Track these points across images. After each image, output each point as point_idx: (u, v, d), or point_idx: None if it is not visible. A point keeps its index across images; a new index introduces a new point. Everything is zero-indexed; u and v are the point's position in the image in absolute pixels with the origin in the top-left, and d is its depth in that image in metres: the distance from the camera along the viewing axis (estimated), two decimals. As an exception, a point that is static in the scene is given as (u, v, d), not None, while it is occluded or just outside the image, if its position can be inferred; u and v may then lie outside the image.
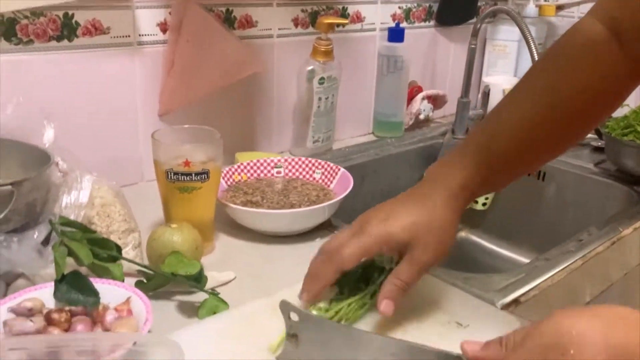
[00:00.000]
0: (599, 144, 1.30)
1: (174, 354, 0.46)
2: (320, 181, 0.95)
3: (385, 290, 0.60)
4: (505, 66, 1.56)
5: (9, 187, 0.60)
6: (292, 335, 0.56)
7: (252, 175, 0.95)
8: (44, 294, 0.61)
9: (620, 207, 1.10)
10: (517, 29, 1.27)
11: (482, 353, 0.45)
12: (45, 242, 0.64)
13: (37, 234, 0.63)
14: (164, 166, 0.72)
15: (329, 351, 0.55)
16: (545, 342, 0.40)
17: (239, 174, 0.94)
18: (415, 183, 1.45)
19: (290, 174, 0.97)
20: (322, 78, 1.10)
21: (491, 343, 0.45)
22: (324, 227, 0.88)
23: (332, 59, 1.10)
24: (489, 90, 1.47)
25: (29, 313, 0.59)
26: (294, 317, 0.56)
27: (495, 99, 1.46)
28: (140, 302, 0.60)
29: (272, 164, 0.97)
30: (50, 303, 0.61)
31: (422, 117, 1.40)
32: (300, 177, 0.97)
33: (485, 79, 1.53)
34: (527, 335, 0.41)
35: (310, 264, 0.63)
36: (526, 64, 1.55)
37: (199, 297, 0.67)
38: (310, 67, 1.10)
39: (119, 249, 0.66)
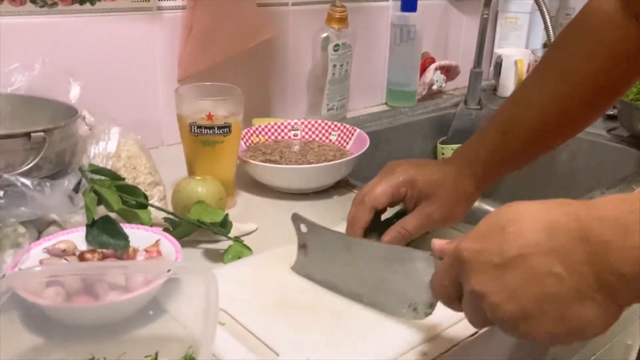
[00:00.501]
0: (612, 111, 1.31)
1: (209, 283, 0.48)
2: (337, 143, 0.97)
3: (388, 235, 0.64)
4: (517, 38, 1.57)
5: (42, 134, 0.62)
6: (302, 246, 0.64)
7: (269, 137, 0.97)
8: (76, 238, 0.63)
9: (633, 172, 1.11)
10: (528, 1, 1.27)
11: (448, 244, 0.49)
12: (76, 190, 0.66)
13: (67, 182, 0.65)
14: (188, 120, 0.74)
15: (331, 258, 0.61)
16: (490, 223, 0.42)
17: (257, 135, 0.96)
18: (428, 153, 1.47)
19: (307, 137, 0.99)
20: (336, 45, 1.11)
21: (456, 238, 0.48)
22: (341, 186, 0.90)
23: (346, 26, 1.12)
24: (502, 60, 1.48)
25: (63, 254, 0.61)
26: (304, 228, 0.63)
27: (507, 69, 1.47)
28: (169, 244, 0.62)
29: (289, 127, 0.99)
30: (82, 246, 0.63)
31: (435, 87, 1.41)
32: (317, 139, 0.98)
33: (497, 50, 1.54)
34: (481, 221, 0.44)
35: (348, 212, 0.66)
36: (538, 36, 1.56)
37: (224, 245, 0.69)
38: (325, 34, 1.11)
39: (146, 197, 0.68)
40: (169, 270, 0.51)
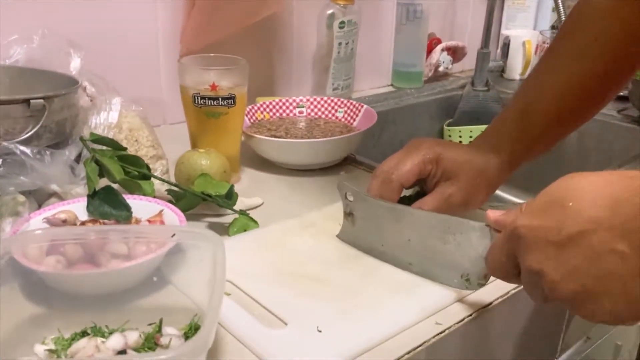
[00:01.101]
0: (623, 92, 1.28)
1: (216, 247, 0.46)
2: (343, 120, 0.95)
3: None
4: (524, 20, 1.54)
5: (41, 101, 0.60)
6: (348, 214, 0.63)
7: (274, 114, 0.95)
8: (77, 208, 0.61)
9: (645, 151, 1.09)
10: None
11: (503, 216, 0.48)
12: (77, 161, 0.65)
13: (68, 152, 0.63)
14: (191, 91, 0.72)
15: (380, 226, 0.60)
16: (550, 198, 0.41)
17: (262, 112, 0.94)
18: (435, 134, 1.45)
19: (312, 114, 0.96)
20: (342, 22, 1.09)
21: (512, 209, 0.47)
22: (348, 163, 0.88)
23: (352, 2, 1.09)
24: (509, 41, 1.45)
25: (63, 224, 0.59)
26: (350, 197, 0.62)
27: (515, 50, 1.45)
28: (172, 215, 0.60)
29: (294, 104, 0.97)
30: (82, 217, 0.61)
31: (441, 68, 1.38)
32: (323, 116, 0.96)
33: (505, 31, 1.51)
34: (538, 195, 0.42)
35: (368, 188, 0.63)
36: (545, 18, 1.53)
37: (228, 219, 0.68)
38: (330, 11, 1.09)
39: (148, 167, 0.66)
40: (173, 235, 0.49)
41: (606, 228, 0.37)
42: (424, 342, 0.49)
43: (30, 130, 0.60)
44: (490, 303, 0.55)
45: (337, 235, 0.64)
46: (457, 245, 0.54)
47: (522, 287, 0.55)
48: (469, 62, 1.46)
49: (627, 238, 0.37)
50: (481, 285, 0.53)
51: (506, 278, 0.47)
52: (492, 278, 0.52)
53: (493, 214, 0.49)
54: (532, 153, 0.67)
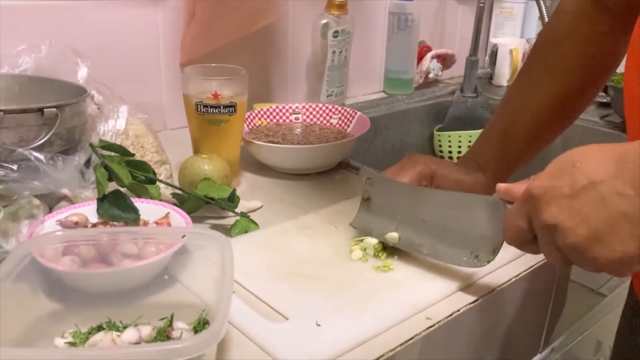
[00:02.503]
0: (605, 100, 1.33)
1: (224, 247, 0.50)
2: (338, 126, 0.99)
3: None
4: (512, 28, 1.59)
5: (54, 109, 0.63)
6: (366, 199, 0.67)
7: (271, 120, 0.99)
8: (87, 211, 0.65)
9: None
10: (524, -10, 1.29)
11: (513, 185, 0.52)
12: (86, 166, 0.68)
13: (78, 158, 0.67)
14: (194, 99, 0.76)
15: (395, 209, 0.64)
16: (558, 164, 0.45)
17: (259, 119, 0.98)
18: (425, 140, 1.49)
19: (308, 120, 1.00)
20: (336, 31, 1.13)
21: (522, 180, 0.51)
22: (342, 167, 0.92)
23: (346, 12, 1.13)
24: (497, 49, 1.50)
25: (75, 226, 0.63)
26: (370, 182, 0.66)
27: (503, 58, 1.50)
28: (178, 217, 0.64)
29: (290, 110, 1.00)
30: (93, 220, 0.65)
31: (431, 75, 1.43)
32: (318, 122, 1.00)
33: (493, 39, 1.56)
34: (548, 165, 0.46)
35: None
36: (532, 26, 1.58)
37: (230, 221, 0.71)
38: (324, 21, 1.13)
39: (154, 172, 0.70)
40: (183, 236, 0.53)
41: (614, 177, 0.41)
42: (415, 336, 0.53)
43: (44, 138, 0.64)
44: (477, 300, 0.59)
45: (350, 224, 0.68)
46: (470, 222, 0.57)
47: (510, 283, 0.60)
48: (458, 69, 1.50)
49: (634, 184, 0.41)
50: (489, 261, 0.57)
51: (522, 245, 0.50)
52: (497, 256, 0.56)
53: (503, 185, 0.53)
54: (514, 168, 0.72)
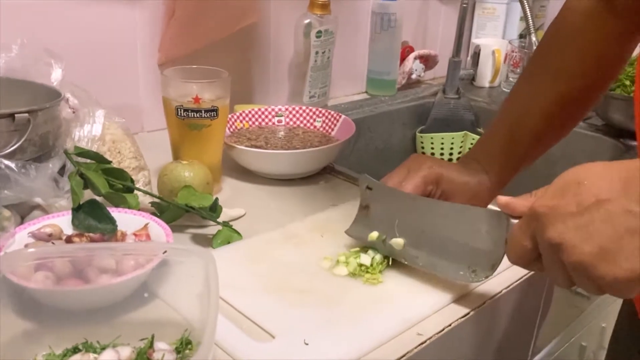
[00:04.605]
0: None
1: (208, 264, 0.48)
2: (322, 129, 0.97)
3: None
4: (493, 29, 1.58)
5: (26, 115, 0.60)
6: (364, 207, 0.65)
7: (253, 123, 0.96)
8: (61, 222, 0.62)
9: (608, 159, 1.14)
10: (507, -10, 1.28)
11: (514, 199, 0.51)
12: (61, 173, 0.65)
13: (52, 166, 0.63)
14: (174, 103, 0.73)
15: (394, 218, 0.62)
16: (563, 183, 0.44)
17: (241, 121, 0.95)
18: (408, 141, 1.47)
19: (291, 123, 0.98)
20: (319, 31, 1.11)
21: (524, 195, 0.50)
22: (327, 172, 0.90)
23: (329, 12, 1.11)
24: (480, 50, 1.49)
25: (49, 238, 0.59)
26: (369, 190, 0.64)
27: (485, 59, 1.49)
28: (158, 228, 0.61)
29: (273, 113, 0.98)
30: (67, 231, 0.61)
31: (414, 76, 1.41)
32: (302, 125, 0.98)
33: (475, 40, 1.55)
34: (552, 183, 0.45)
35: None
36: (514, 27, 1.58)
37: (212, 230, 0.69)
38: (307, 20, 1.10)
39: (132, 180, 0.67)
40: (165, 252, 0.50)
41: (621, 196, 0.41)
42: (406, 353, 0.51)
43: (15, 144, 0.60)
44: (468, 313, 0.57)
45: (346, 231, 0.66)
46: (470, 235, 0.56)
47: (507, 289, 0.58)
48: (440, 70, 1.49)
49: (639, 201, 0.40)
50: (487, 276, 0.55)
51: (527, 263, 0.49)
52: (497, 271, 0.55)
53: (504, 198, 0.52)
54: (518, 169, 0.71)
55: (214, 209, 0.66)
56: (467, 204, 0.64)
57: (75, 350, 0.48)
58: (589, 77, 0.66)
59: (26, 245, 0.57)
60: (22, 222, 0.64)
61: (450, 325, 0.55)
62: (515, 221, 0.50)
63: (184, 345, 0.48)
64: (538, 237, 0.45)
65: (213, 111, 0.74)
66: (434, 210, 0.59)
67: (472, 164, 0.69)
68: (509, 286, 0.62)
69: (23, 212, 0.65)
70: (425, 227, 0.59)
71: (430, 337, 0.53)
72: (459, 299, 0.59)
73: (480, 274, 0.56)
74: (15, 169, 0.59)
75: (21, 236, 0.58)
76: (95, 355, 0.46)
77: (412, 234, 0.60)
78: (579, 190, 0.42)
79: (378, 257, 0.62)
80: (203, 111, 0.73)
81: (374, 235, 0.63)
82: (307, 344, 0.50)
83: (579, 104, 0.69)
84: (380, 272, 0.61)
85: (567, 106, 0.67)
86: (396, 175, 0.65)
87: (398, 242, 0.61)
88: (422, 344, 0.52)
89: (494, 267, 0.55)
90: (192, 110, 0.73)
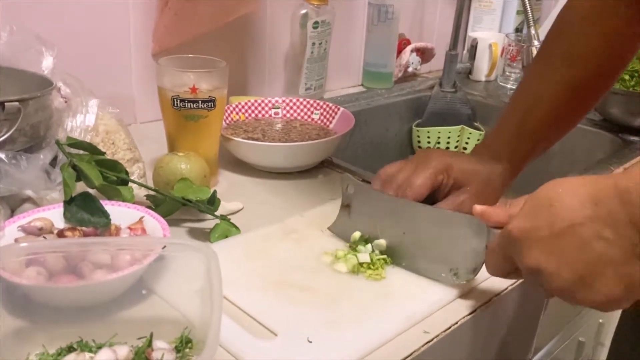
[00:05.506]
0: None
1: (209, 259, 0.46)
2: (319, 121, 0.95)
3: None
4: (490, 22, 1.57)
5: (16, 104, 0.58)
6: (346, 206, 0.65)
7: (250, 115, 0.94)
8: (52, 215, 0.59)
9: (607, 155, 1.13)
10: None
11: (490, 208, 0.52)
12: (52, 165, 0.62)
13: (43, 157, 0.61)
14: (170, 93, 0.71)
15: (376, 219, 0.61)
16: (535, 202, 0.45)
17: (237, 113, 0.93)
18: (404, 134, 1.46)
19: (288, 115, 0.96)
20: (316, 22, 1.09)
21: (499, 203, 0.51)
22: (325, 166, 0.88)
23: (326, 2, 1.09)
24: (477, 43, 1.48)
25: (40, 232, 0.57)
26: (351, 189, 0.64)
27: (482, 52, 1.48)
28: (153, 221, 0.59)
29: (270, 105, 0.96)
30: (59, 224, 0.59)
31: (410, 69, 1.40)
32: (299, 117, 0.96)
33: (472, 33, 1.54)
34: (526, 200, 0.46)
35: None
36: (510, 20, 1.56)
37: (209, 224, 0.67)
38: (304, 11, 1.08)
39: (127, 172, 0.65)
40: (164, 247, 0.48)
41: (592, 219, 0.41)
42: (414, 352, 0.50)
43: (5, 134, 0.58)
44: (475, 310, 0.56)
45: (329, 228, 0.66)
46: (451, 239, 0.56)
47: (512, 286, 0.58)
48: (436, 63, 1.47)
49: (612, 227, 0.40)
50: (469, 279, 0.56)
51: (504, 276, 0.50)
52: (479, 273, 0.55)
53: (479, 207, 0.52)
54: (530, 158, 0.70)
55: (212, 202, 0.64)
56: (480, 191, 0.64)
57: (70, 349, 0.46)
58: (602, 61, 0.66)
59: (16, 240, 0.55)
60: (12, 215, 0.62)
61: (457, 322, 0.54)
62: (497, 231, 0.50)
63: (183, 344, 0.46)
64: (516, 259, 0.46)
65: (210, 102, 0.72)
66: (416, 213, 0.59)
67: (483, 152, 0.68)
68: (514, 282, 0.60)
69: (14, 205, 0.63)
70: (407, 229, 0.59)
71: (438, 335, 0.52)
72: (464, 295, 0.57)
73: (462, 277, 0.56)
74: (5, 159, 0.57)
75: (11, 230, 0.56)
76: (91, 354, 0.44)
77: (393, 234, 0.60)
78: (550, 212, 0.43)
79: (377, 252, 0.61)
80: (200, 102, 0.71)
81: (357, 235, 0.63)
82: (310, 342, 0.49)
83: (589, 90, 0.68)
84: (382, 267, 0.60)
85: (577, 91, 0.66)
86: (405, 170, 0.64)
87: (381, 243, 0.61)
88: (429, 342, 0.51)
89: (475, 270, 0.55)
90: (189, 101, 0.71)
